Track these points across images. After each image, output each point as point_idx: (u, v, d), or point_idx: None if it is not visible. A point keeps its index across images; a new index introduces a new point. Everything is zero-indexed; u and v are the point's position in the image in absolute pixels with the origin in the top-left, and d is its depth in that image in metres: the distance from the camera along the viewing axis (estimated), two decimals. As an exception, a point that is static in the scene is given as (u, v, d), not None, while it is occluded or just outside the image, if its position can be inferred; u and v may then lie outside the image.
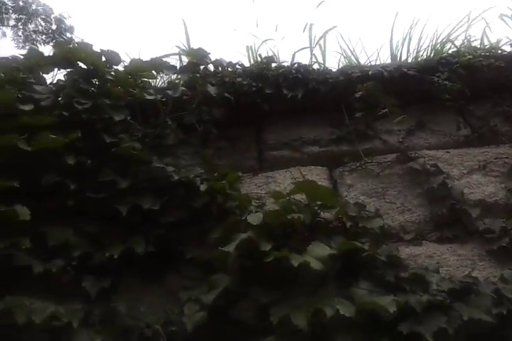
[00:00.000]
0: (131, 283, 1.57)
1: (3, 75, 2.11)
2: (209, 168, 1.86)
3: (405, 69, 2.27)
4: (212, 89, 2.12)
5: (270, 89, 2.21)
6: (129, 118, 1.94)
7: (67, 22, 11.94)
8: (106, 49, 2.20)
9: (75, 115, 1.92)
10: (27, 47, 10.75)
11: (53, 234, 1.58)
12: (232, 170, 1.86)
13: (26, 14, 11.71)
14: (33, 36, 11.91)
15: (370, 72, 2.26)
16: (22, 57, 2.19)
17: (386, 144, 2.13)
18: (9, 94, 1.95)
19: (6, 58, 2.26)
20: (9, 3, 11.59)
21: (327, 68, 2.43)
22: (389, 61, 2.58)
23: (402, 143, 2.12)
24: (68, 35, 11.80)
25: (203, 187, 1.72)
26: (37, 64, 2.14)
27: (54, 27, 11.88)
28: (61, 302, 1.40)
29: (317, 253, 1.50)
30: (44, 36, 11.90)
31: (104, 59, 2.17)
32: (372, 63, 2.58)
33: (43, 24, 11.92)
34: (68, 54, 2.15)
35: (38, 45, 11.71)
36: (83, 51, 2.14)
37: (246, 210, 1.73)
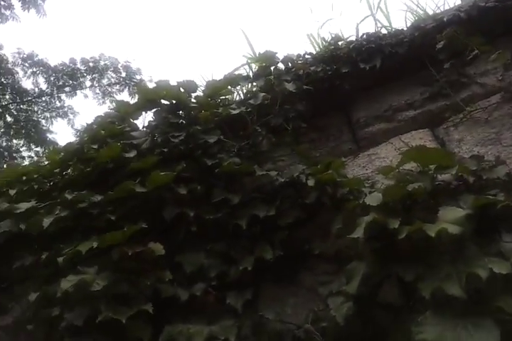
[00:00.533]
0: (270, 290, 1.63)
1: (103, 132, 2.37)
2: (309, 162, 1.87)
3: (483, 4, 2.09)
4: (289, 86, 2.15)
5: (346, 67, 2.18)
6: (221, 137, 2.04)
7: (133, 65, 13.03)
8: (181, 80, 2.35)
9: (174, 148, 2.07)
10: (107, 102, 11.93)
11: (188, 261, 1.71)
12: (333, 158, 1.86)
13: (97, 72, 12.92)
14: (109, 89, 13.09)
15: (445, 19, 2.12)
16: (112, 110, 2.42)
17: (485, 87, 1.97)
18: (114, 148, 2.17)
19: (100, 116, 2.53)
20: (82, 68, 12.83)
21: (397, 29, 2.34)
22: (459, 2, 2.41)
23: (503, 80, 1.94)
24: (137, 77, 12.85)
25: (310, 182, 1.73)
26: (126, 113, 2.35)
27: (124, 74, 13.02)
28: (213, 322, 1.49)
29: (451, 217, 1.42)
30: (117, 86, 13.07)
31: (182, 90, 2.33)
32: (442, 9, 2.42)
33: (114, 75, 13.10)
34: (150, 95, 2.34)
35: (115, 95, 12.94)
36: (163, 88, 2.31)
37: (360, 193, 1.70)
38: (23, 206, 2.29)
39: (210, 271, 1.66)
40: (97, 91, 13.30)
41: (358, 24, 2.48)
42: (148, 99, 2.38)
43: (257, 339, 1.45)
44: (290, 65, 2.31)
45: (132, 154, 2.13)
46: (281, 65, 2.33)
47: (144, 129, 2.43)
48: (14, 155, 13.65)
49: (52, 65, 13.00)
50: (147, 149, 2.18)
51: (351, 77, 2.15)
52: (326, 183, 1.75)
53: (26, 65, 13.01)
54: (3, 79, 12.79)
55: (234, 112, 2.09)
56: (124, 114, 2.47)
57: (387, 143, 1.96)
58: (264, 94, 2.12)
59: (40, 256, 2.01)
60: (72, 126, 13.68)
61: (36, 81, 13.20)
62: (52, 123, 13.78)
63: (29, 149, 13.97)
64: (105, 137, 2.35)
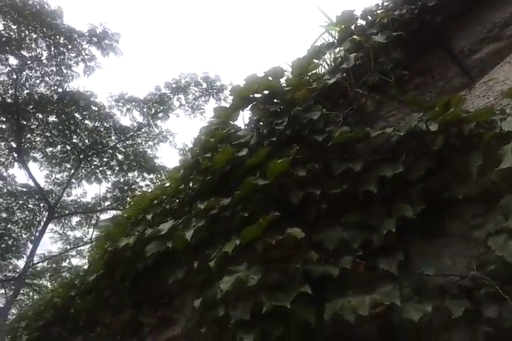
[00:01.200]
0: (420, 246, 1.58)
1: (212, 140, 2.49)
2: (423, 108, 1.79)
3: None
4: (378, 38, 2.09)
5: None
6: (324, 111, 2.03)
7: (211, 74, 13.74)
8: (267, 70, 2.40)
9: (281, 135, 2.12)
10: (197, 115, 12.75)
11: (327, 238, 1.74)
12: (448, 96, 1.75)
13: (181, 91, 13.79)
14: (196, 103, 13.93)
15: None
16: (212, 120, 2.54)
17: None
18: (227, 151, 2.28)
19: (204, 126, 2.67)
20: (167, 92, 13.81)
21: None
22: None
23: None
24: (218, 83, 13.49)
25: (433, 127, 1.65)
26: (226, 116, 2.48)
27: (205, 85, 13.75)
28: (371, 291, 1.50)
29: None
30: (202, 98, 13.86)
31: (271, 78, 2.37)
32: None
33: (196, 89, 14.05)
34: (243, 93, 2.42)
35: (203, 107, 13.73)
36: (253, 83, 2.38)
37: (491, 124, 1.58)
38: (164, 227, 2.51)
39: (352, 243, 1.66)
40: (186, 108, 14.26)
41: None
42: (242, 97, 2.46)
43: (421, 298, 1.41)
44: (370, 18, 2.23)
45: (244, 152, 2.22)
46: (361, 22, 2.25)
47: (246, 127, 2.51)
48: (133, 187, 14.95)
49: (141, 97, 14.07)
50: (256, 143, 2.25)
51: (440, 8, 2.02)
52: (450, 124, 1.66)
53: (120, 104, 14.26)
54: (105, 124, 14.11)
55: (330, 82, 2.08)
56: (225, 118, 2.60)
57: (503, 64, 1.80)
58: (354, 54, 2.07)
59: (192, 266, 2.16)
60: (174, 147, 14.72)
61: (132, 116, 14.49)
62: (156, 149, 14.92)
63: (144, 178, 15.22)
64: (215, 144, 2.47)
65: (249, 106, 2.47)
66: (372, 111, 1.95)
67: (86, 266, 4.76)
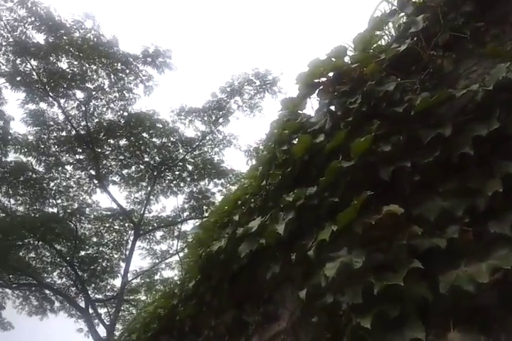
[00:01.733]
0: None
1: (286, 131, 2.46)
2: (508, 57, 1.65)
3: None
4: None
5: None
6: (398, 80, 1.94)
7: (261, 70, 13.81)
8: (329, 51, 2.33)
9: (357, 113, 2.05)
10: (256, 113, 12.94)
11: (427, 209, 1.64)
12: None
13: (236, 93, 14.01)
14: (252, 102, 14.08)
15: None
16: (281, 112, 2.51)
17: None
18: (304, 140, 2.25)
19: (275, 120, 2.65)
20: (223, 96, 14.38)
21: None
22: None
23: None
24: (270, 77, 13.65)
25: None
26: (294, 106, 2.46)
27: (258, 83, 13.89)
28: (485, 258, 1.41)
29: None
30: (258, 95, 14.35)
31: (334, 59, 2.30)
32: None
33: (250, 88, 14.33)
34: (309, 79, 2.38)
35: (260, 104, 14.32)
36: (317, 67, 2.33)
37: None
38: (253, 224, 2.50)
39: (455, 211, 1.56)
40: (244, 108, 14.42)
41: None
42: (308, 84, 2.42)
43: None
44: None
45: (321, 138, 2.18)
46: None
47: (316, 113, 2.46)
48: (207, 194, 15.32)
49: (200, 106, 14.37)
50: (331, 127, 2.20)
51: None
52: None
53: (182, 117, 14.64)
54: (172, 139, 14.56)
55: (401, 49, 1.97)
56: (293, 108, 2.56)
57: None
58: (421, 15, 1.96)
59: (287, 260, 2.14)
60: (239, 149, 14.94)
61: (195, 126, 14.89)
62: (223, 154, 15.23)
63: (215, 184, 15.56)
64: (289, 135, 2.44)
65: (316, 91, 2.42)
66: (451, 71, 1.83)
67: (181, 275, 4.89)
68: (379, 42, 2.30)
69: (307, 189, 2.15)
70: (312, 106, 2.63)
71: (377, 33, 2.26)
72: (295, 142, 2.40)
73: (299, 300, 2.11)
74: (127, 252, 15.60)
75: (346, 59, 2.35)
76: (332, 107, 2.24)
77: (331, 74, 2.32)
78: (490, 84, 1.59)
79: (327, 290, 1.77)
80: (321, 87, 2.37)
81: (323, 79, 2.36)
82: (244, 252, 2.56)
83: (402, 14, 2.18)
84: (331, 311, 1.79)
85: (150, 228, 16.14)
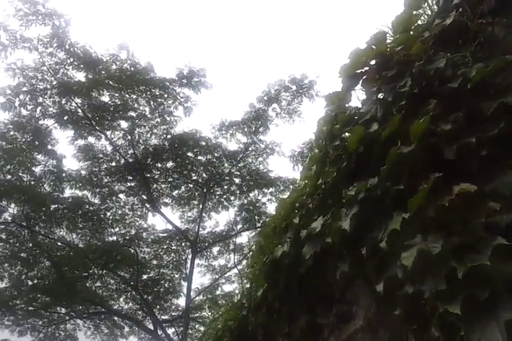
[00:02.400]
0: None
1: (337, 126, 2.41)
2: None
3: None
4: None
5: None
6: (448, 55, 1.85)
7: (297, 74, 14.03)
8: (368, 39, 2.27)
9: (409, 97, 1.97)
10: (295, 118, 13.63)
11: (501, 184, 1.56)
12: None
13: (273, 100, 14.36)
14: (291, 107, 14.62)
15: None
16: (327, 108, 2.47)
17: None
18: (357, 131, 2.19)
19: (321, 118, 2.60)
20: (261, 106, 14.52)
21: None
22: None
23: None
24: (306, 81, 13.83)
25: None
26: (339, 100, 2.40)
27: (294, 88, 14.20)
28: None
29: None
30: (295, 100, 14.42)
31: (374, 47, 2.24)
32: None
33: (287, 94, 14.43)
34: (351, 70, 2.34)
35: (298, 109, 14.44)
36: (359, 56, 2.28)
37: None
38: (316, 225, 2.44)
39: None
40: (283, 115, 14.40)
41: None
42: (351, 75, 2.36)
43: None
44: None
45: (375, 126, 2.11)
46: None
47: (363, 104, 2.40)
48: (257, 205, 15.33)
49: (239, 119, 14.50)
50: (384, 114, 2.13)
51: None
52: None
53: (223, 132, 14.80)
54: (216, 154, 14.71)
55: (448, 22, 1.89)
56: (338, 102, 2.50)
57: None
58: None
59: (356, 256, 2.06)
60: (283, 156, 14.92)
61: (237, 139, 14.94)
62: (267, 163, 15.24)
63: (264, 194, 15.55)
64: (340, 129, 2.38)
65: (360, 81, 2.36)
66: (503, 36, 1.73)
67: (245, 286, 4.86)
68: (418, 22, 2.22)
69: (367, 181, 2.07)
70: (358, 98, 2.57)
71: (415, 12, 2.18)
72: (346, 136, 2.35)
73: (374, 296, 2.03)
74: (187, 271, 15.75)
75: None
76: (380, 95, 2.17)
77: (373, 62, 2.26)
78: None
79: (406, 280, 1.69)
80: (365, 76, 2.31)
81: (366, 68, 2.30)
82: (309, 254, 2.51)
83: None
84: (412, 302, 1.70)
85: (206, 244, 16.27)
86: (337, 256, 2.38)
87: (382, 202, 2.02)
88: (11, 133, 13.43)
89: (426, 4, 2.25)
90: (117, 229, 15.71)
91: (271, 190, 15.55)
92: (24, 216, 14.04)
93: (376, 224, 2.02)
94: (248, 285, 4.30)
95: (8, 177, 13.68)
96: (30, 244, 14.55)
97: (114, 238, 15.56)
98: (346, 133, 2.37)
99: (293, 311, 3.00)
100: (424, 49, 1.95)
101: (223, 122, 14.77)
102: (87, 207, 14.68)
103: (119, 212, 15.64)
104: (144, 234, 16.25)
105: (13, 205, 14.02)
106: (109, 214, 15.30)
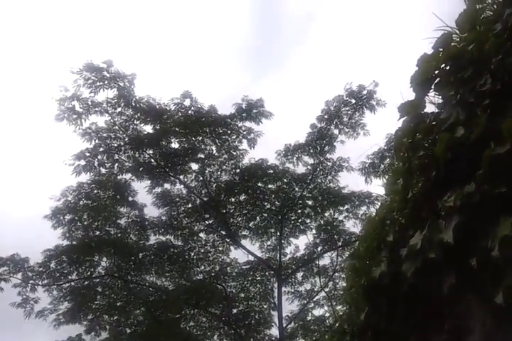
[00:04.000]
0: None
1: (420, 136, 2.30)
2: None
3: None
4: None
5: None
6: None
7: (354, 87, 13.73)
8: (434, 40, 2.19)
9: (492, 95, 1.84)
10: (359, 131, 14.27)
11: None
12: None
13: (334, 117, 14.11)
14: (353, 121, 14.49)
15: None
16: (403, 119, 2.38)
17: None
18: (444, 138, 2.09)
19: (399, 128, 2.50)
20: (323, 125, 14.42)
21: None
22: None
23: None
24: (364, 92, 13.05)
25: None
26: (414, 108, 2.37)
27: (353, 101, 14.07)
28: None
29: None
30: (357, 113, 14.25)
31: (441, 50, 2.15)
32: None
33: (348, 108, 14.06)
34: (423, 76, 2.26)
35: (361, 121, 14.24)
36: (430, 61, 2.19)
37: None
38: (416, 240, 2.31)
39: None
40: (346, 130, 14.14)
41: None
42: (423, 81, 2.28)
43: None
44: None
45: (461, 131, 2.00)
46: None
47: (441, 110, 2.29)
48: (335, 224, 15.01)
49: (303, 141, 14.81)
50: (467, 116, 2.02)
51: None
52: None
53: (289, 157, 15.08)
54: (285, 180, 14.81)
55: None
56: (414, 111, 2.40)
57: None
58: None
59: (464, 267, 1.93)
60: (352, 170, 14.87)
61: (303, 161, 15.15)
62: (337, 180, 15.25)
63: (340, 212, 15.20)
64: (423, 139, 2.28)
65: (433, 87, 2.27)
66: None
67: (345, 310, 4.70)
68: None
69: (463, 188, 1.95)
70: (433, 104, 2.46)
71: (479, 7, 2.08)
72: (429, 145, 2.24)
73: (490, 308, 1.87)
74: (275, 300, 15.59)
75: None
76: (459, 96, 2.05)
77: (443, 65, 2.16)
78: None
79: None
80: (438, 80, 2.21)
81: (437, 72, 2.21)
82: (410, 271, 2.39)
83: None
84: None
85: (290, 271, 16.11)
86: (441, 271, 2.24)
87: (484, 208, 1.88)
88: (95, 191, 14.32)
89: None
90: (202, 267, 16.04)
91: (346, 206, 15.28)
92: (116, 267, 14.77)
93: (481, 232, 1.89)
94: (343, 308, 4.15)
95: (97, 233, 14.48)
96: (125, 293, 15.07)
97: (201, 276, 15.83)
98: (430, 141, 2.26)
99: (401, 331, 2.83)
100: (500, 42, 1.83)
101: (288, 147, 14.84)
102: (172, 250, 15.20)
103: (202, 250, 16.00)
104: (228, 268, 16.39)
105: (104, 259, 14.77)
106: (192, 253, 15.73)
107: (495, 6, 2.13)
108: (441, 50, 2.17)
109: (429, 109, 2.45)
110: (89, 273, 14.62)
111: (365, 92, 13.87)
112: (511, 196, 1.69)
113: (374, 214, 3.36)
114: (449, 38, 2.14)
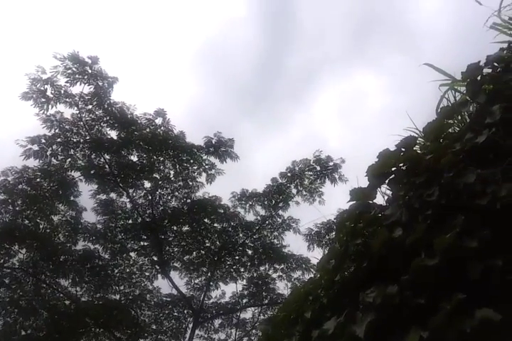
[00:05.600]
0: None
1: (360, 225, 2.36)
2: None
3: None
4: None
5: None
6: (478, 171, 1.84)
7: (322, 156, 14.26)
8: (399, 142, 2.29)
9: (435, 208, 1.94)
10: (316, 198, 14.42)
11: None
12: None
13: (297, 178, 14.55)
14: (312, 186, 14.72)
15: None
16: (351, 204, 2.45)
17: None
18: (381, 234, 2.15)
19: (345, 211, 2.59)
20: (283, 181, 14.64)
21: None
22: None
23: None
24: (330, 163, 14.11)
25: None
26: (364, 197, 2.42)
27: (318, 168, 14.39)
28: None
29: None
30: (318, 180, 14.54)
31: (404, 150, 2.25)
32: None
33: (311, 173, 14.60)
34: (378, 170, 2.34)
35: (320, 189, 14.43)
36: (388, 158, 2.29)
37: None
38: (329, 326, 2.31)
39: None
40: (304, 193, 14.42)
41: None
42: (379, 174, 2.36)
43: None
44: (498, 64, 2.08)
45: (399, 232, 2.08)
46: (487, 71, 2.12)
47: (389, 204, 2.38)
48: (266, 280, 14.89)
49: (261, 191, 14.52)
50: (409, 220, 2.09)
51: None
52: None
53: (243, 202, 14.83)
54: (232, 223, 14.66)
55: (480, 140, 1.89)
56: (363, 198, 2.48)
57: None
58: (498, 105, 1.90)
59: None
60: (298, 233, 14.75)
61: (255, 211, 14.93)
62: (282, 238, 15.06)
63: (275, 270, 15.17)
64: (364, 228, 2.35)
65: (387, 181, 2.36)
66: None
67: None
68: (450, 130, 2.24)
69: (387, 287, 1.99)
70: (383, 196, 2.56)
71: (447, 122, 2.22)
72: (368, 234, 2.30)
73: None
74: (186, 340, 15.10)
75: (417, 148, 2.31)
76: (408, 198, 2.14)
77: (403, 165, 2.26)
78: None
79: None
80: (393, 177, 2.30)
81: (394, 168, 2.31)
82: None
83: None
84: None
85: (209, 316, 15.71)
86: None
87: (401, 312, 1.92)
88: (38, 179, 13.75)
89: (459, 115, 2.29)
90: (122, 288, 15.42)
91: (282, 266, 15.25)
92: (32, 263, 13.99)
93: (392, 335, 1.92)
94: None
95: (26, 222, 13.80)
96: (32, 292, 14.27)
97: (118, 297, 15.20)
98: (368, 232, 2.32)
99: None
100: (455, 161, 1.95)
101: (244, 192, 14.89)
102: (97, 261, 14.60)
103: (127, 270, 15.45)
104: (148, 295, 15.87)
105: (23, 250, 14.02)
106: (116, 271, 15.15)
107: (462, 124, 2.28)
108: (403, 150, 2.28)
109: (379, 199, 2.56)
110: (1, 260, 13.81)
111: (331, 164, 14.22)
112: (428, 309, 1.74)
113: (300, 285, 3.37)
114: (413, 142, 2.25)
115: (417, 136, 2.35)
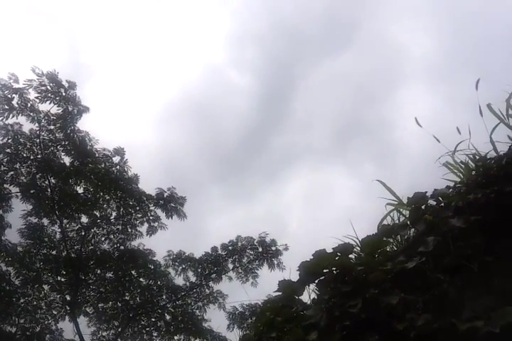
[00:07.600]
0: None
1: (279, 319, 2.34)
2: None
3: None
4: (456, 222, 2.01)
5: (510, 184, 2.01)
6: (402, 294, 1.89)
7: (267, 238, 14.03)
8: (336, 246, 2.34)
9: (355, 319, 1.95)
10: (250, 278, 14.07)
11: None
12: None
13: (237, 253, 14.21)
14: (249, 266, 14.29)
15: None
16: (276, 294, 2.45)
17: None
18: (297, 334, 2.11)
19: (269, 301, 2.56)
20: (223, 253, 14.28)
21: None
22: None
23: None
24: (273, 248, 14.01)
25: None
26: (291, 291, 2.42)
27: (260, 249, 14.09)
28: None
29: None
30: (256, 261, 14.20)
31: (339, 254, 2.30)
32: None
33: (252, 252, 14.29)
34: (312, 268, 2.37)
35: (256, 271, 14.17)
36: (322, 258, 2.33)
37: None
38: None
39: None
40: (239, 270, 14.07)
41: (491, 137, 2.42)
42: (310, 272, 2.39)
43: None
44: (442, 199, 2.22)
45: (314, 335, 2.09)
46: (431, 202, 2.25)
47: (313, 305, 2.38)
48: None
49: (197, 257, 14.12)
50: (326, 326, 2.11)
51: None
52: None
53: (176, 264, 14.37)
54: (159, 282, 13.99)
55: (410, 266, 1.96)
56: (290, 293, 2.48)
57: None
58: (432, 237, 2.00)
59: None
60: (223, 309, 14.15)
61: (186, 276, 14.37)
62: (205, 311, 14.42)
63: (190, 344, 14.29)
64: (281, 323, 2.33)
65: (317, 281, 2.38)
66: (455, 298, 1.79)
67: None
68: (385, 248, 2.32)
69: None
70: (309, 294, 2.56)
71: (385, 239, 2.30)
72: (285, 330, 2.27)
73: None
74: None
75: (353, 256, 2.36)
76: (331, 304, 2.16)
77: (335, 269, 2.30)
78: (496, 326, 1.53)
79: None
80: (323, 278, 2.33)
81: (326, 270, 2.34)
82: None
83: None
84: None
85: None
86: None
87: None
88: (-30, 184, 13.00)
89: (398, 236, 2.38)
90: (22, 321, 14.08)
91: (198, 340, 14.43)
92: None
93: None
94: None
95: None
96: None
97: (14, 330, 13.88)
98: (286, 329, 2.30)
99: None
100: (383, 279, 2.00)
101: (180, 254, 14.35)
102: (4, 284, 13.40)
103: (35, 302, 14.19)
104: (48, 336, 14.53)
105: None
106: (22, 300, 13.85)
107: (399, 245, 2.37)
108: (339, 254, 2.32)
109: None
110: None
111: (273, 248, 14.02)
112: None
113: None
114: (349, 249, 2.30)
115: (354, 244, 2.41)
